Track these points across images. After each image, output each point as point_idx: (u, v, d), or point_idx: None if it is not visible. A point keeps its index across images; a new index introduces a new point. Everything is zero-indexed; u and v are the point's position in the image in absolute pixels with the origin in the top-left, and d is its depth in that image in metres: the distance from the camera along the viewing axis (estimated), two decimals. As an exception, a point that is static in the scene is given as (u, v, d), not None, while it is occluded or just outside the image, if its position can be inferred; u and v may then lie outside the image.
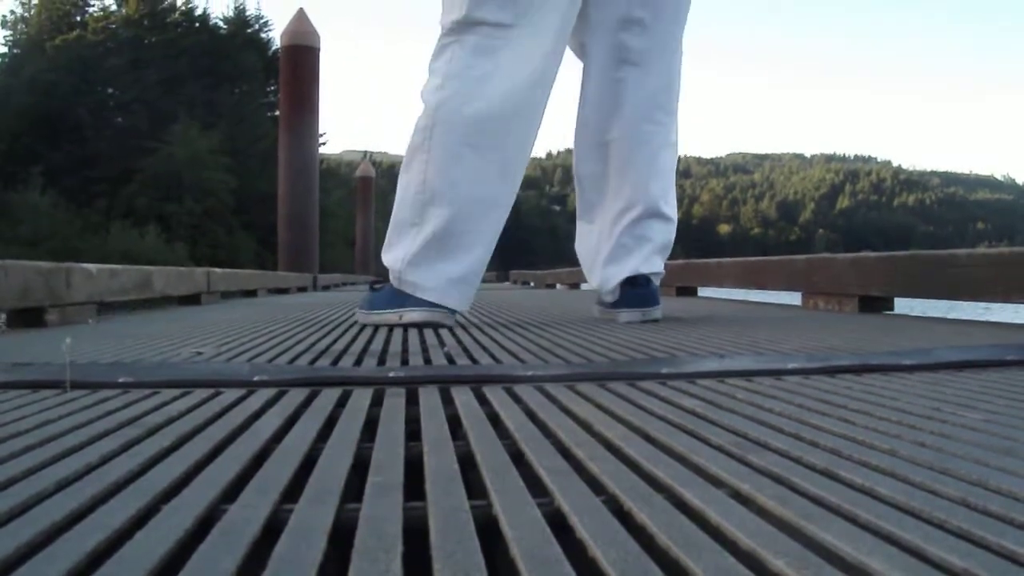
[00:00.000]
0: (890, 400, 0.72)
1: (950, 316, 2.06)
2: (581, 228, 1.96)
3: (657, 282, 1.86)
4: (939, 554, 0.34)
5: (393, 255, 1.68)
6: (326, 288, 6.64)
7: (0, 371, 0.91)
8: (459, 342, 1.37)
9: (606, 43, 1.82)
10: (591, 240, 1.91)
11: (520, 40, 1.61)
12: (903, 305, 2.26)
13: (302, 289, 6.35)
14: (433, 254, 1.64)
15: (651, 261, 1.83)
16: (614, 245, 1.84)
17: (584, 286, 6.18)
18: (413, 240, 1.65)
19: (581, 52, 1.88)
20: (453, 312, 1.68)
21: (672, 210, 1.87)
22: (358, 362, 1.10)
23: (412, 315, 1.64)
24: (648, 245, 1.82)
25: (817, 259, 2.54)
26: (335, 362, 1.09)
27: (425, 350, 1.25)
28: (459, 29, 1.62)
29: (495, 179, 1.67)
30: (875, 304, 2.18)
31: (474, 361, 1.09)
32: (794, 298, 2.67)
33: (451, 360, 1.11)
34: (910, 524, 0.38)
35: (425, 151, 1.63)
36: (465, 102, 1.61)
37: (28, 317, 1.83)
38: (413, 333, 1.54)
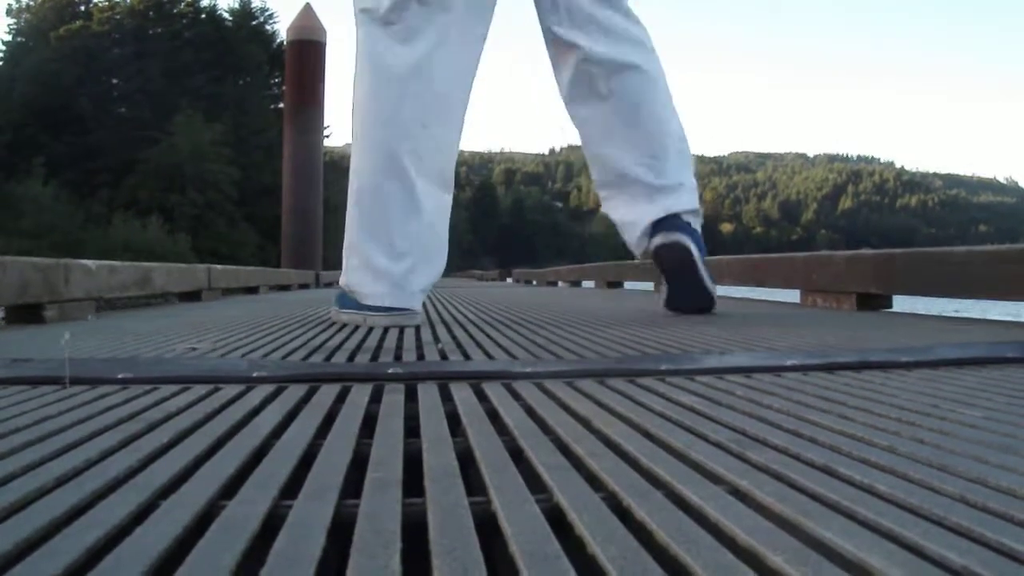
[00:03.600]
0: (889, 397, 0.72)
1: (948, 314, 2.06)
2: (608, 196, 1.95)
3: (692, 221, 1.85)
4: (938, 551, 0.34)
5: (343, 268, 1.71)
6: (329, 285, 6.64)
7: (0, 367, 0.91)
8: (454, 339, 1.37)
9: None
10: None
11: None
12: (901, 303, 2.25)
13: (304, 286, 6.35)
14: (355, 260, 1.66)
15: (678, 201, 1.83)
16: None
17: (585, 283, 6.18)
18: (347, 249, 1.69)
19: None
20: (411, 311, 1.66)
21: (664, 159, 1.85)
22: (352, 358, 1.10)
23: (374, 319, 1.63)
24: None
25: (816, 257, 2.54)
26: (329, 358, 1.09)
27: (420, 347, 1.25)
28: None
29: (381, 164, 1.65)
30: (873, 302, 2.18)
31: (469, 358, 1.09)
32: (793, 295, 2.67)
33: (445, 358, 1.11)
34: (909, 521, 0.38)
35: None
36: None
37: (26, 313, 1.83)
38: (409, 331, 1.54)
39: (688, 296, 1.84)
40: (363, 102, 1.66)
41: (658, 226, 1.81)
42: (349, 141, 1.72)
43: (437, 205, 1.68)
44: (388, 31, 1.63)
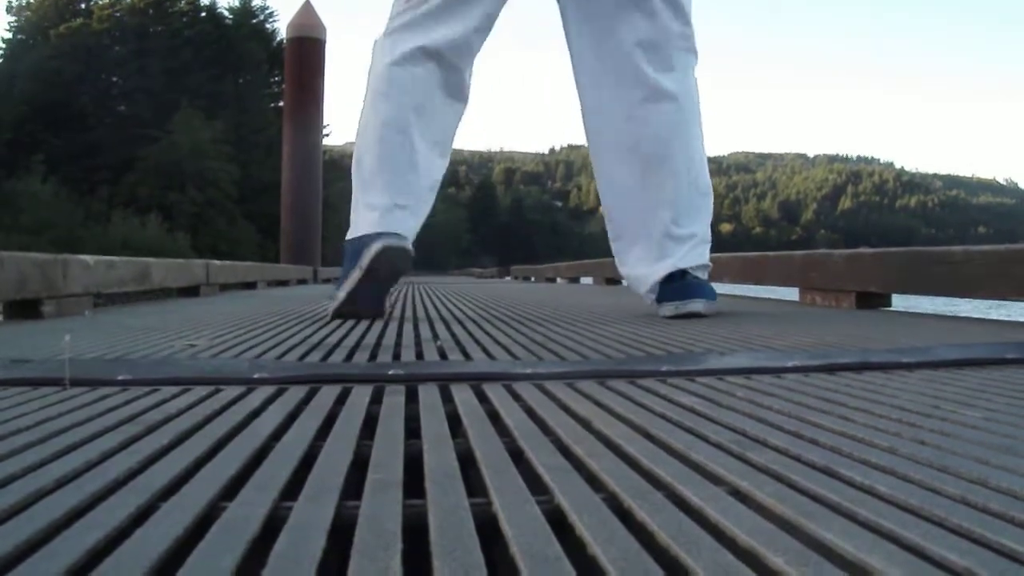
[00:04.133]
0: (890, 398, 0.72)
1: (947, 313, 2.06)
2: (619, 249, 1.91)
3: (701, 275, 1.79)
4: (939, 552, 0.34)
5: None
6: (327, 281, 6.64)
7: (0, 368, 0.91)
8: (453, 336, 1.37)
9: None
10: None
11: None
12: (900, 302, 2.25)
13: (302, 281, 6.35)
14: (356, 208, 1.74)
15: (687, 256, 1.77)
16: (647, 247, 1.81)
17: (584, 280, 6.18)
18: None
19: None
20: (403, 238, 1.68)
21: (695, 194, 1.81)
22: (350, 356, 1.10)
23: (374, 247, 1.63)
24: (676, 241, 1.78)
25: (814, 255, 2.54)
26: (327, 356, 1.09)
27: (419, 344, 1.25)
28: None
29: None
30: (872, 300, 2.18)
31: (468, 357, 1.09)
32: (791, 294, 2.66)
33: (443, 355, 1.11)
34: (910, 522, 0.38)
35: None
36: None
37: (24, 309, 1.83)
38: (407, 327, 1.54)
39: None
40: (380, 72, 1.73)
41: (667, 287, 1.75)
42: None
43: (432, 165, 1.76)
44: (413, 14, 1.71)
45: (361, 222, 1.71)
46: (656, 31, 1.74)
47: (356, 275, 1.66)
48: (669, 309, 1.73)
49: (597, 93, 1.82)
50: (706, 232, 1.83)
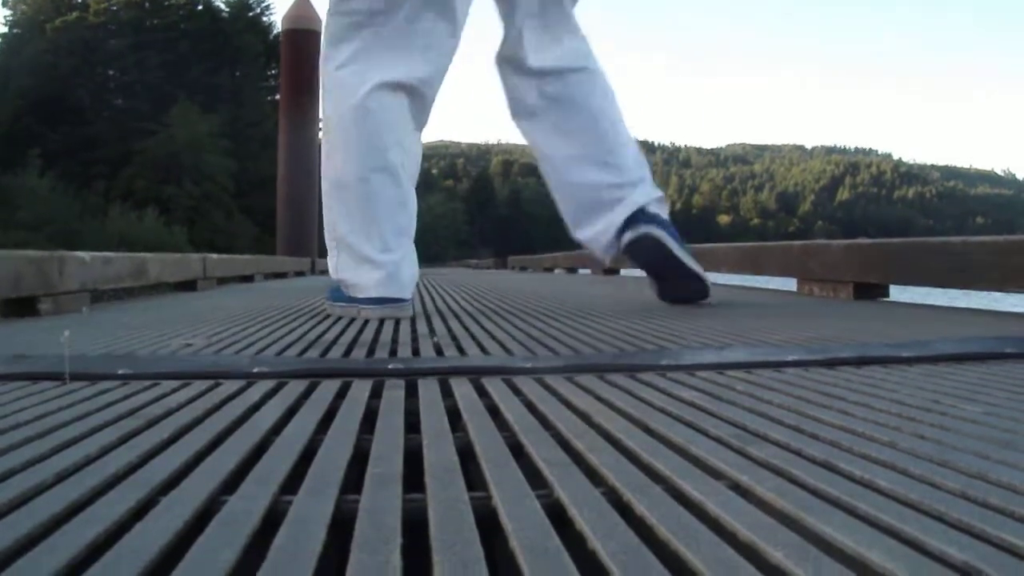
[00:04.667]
0: (889, 392, 0.72)
1: (944, 304, 2.06)
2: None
3: (658, 210, 1.81)
4: (938, 546, 0.34)
5: (330, 265, 1.72)
6: (324, 272, 6.62)
7: (0, 363, 0.90)
8: (450, 331, 1.36)
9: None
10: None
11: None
12: (898, 292, 2.25)
13: (300, 274, 6.34)
14: (346, 255, 1.66)
15: (638, 193, 1.80)
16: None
17: (581, 271, 6.18)
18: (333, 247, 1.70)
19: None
20: (403, 301, 1.66)
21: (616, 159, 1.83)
22: (348, 351, 1.10)
23: (368, 311, 1.63)
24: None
25: (812, 245, 2.54)
26: (326, 352, 1.09)
27: (416, 340, 1.25)
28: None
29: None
30: (870, 291, 2.18)
31: (463, 353, 1.09)
32: (789, 284, 2.66)
33: (440, 351, 1.11)
34: (909, 516, 0.38)
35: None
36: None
37: (21, 306, 1.82)
38: (405, 323, 1.53)
39: (677, 285, 1.83)
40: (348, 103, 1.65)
41: (626, 225, 1.79)
42: None
43: (413, 200, 1.71)
44: (377, 37, 1.63)
45: (364, 279, 1.64)
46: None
47: (353, 313, 1.66)
48: (626, 236, 1.76)
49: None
50: (648, 172, 1.87)
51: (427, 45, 1.65)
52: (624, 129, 1.87)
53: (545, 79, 1.81)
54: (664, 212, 1.83)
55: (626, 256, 1.84)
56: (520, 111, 1.88)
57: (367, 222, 1.64)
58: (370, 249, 1.63)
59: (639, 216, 1.79)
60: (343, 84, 1.64)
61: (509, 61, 1.84)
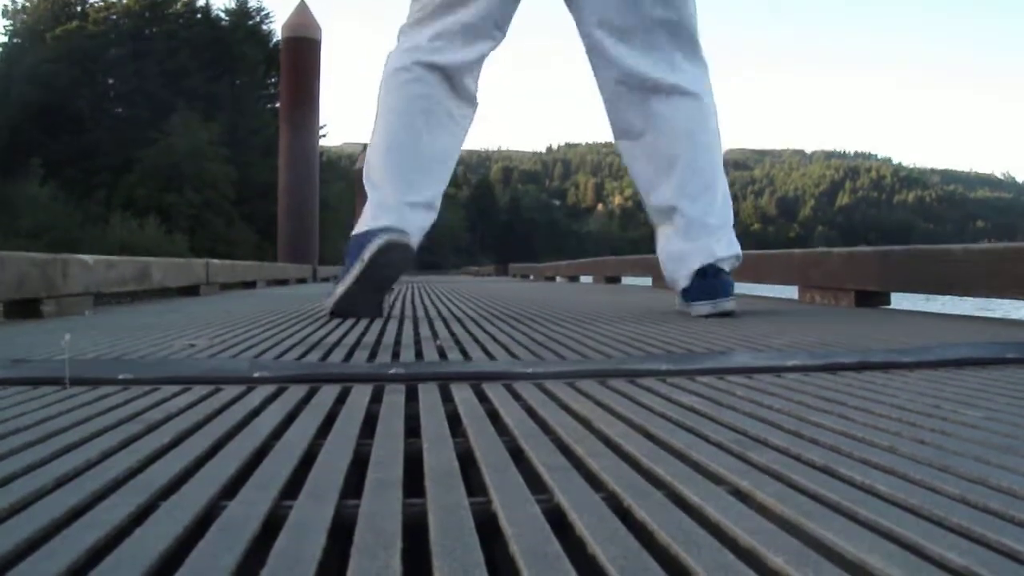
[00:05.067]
0: (890, 397, 0.72)
1: (946, 311, 2.06)
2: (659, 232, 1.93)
3: (728, 268, 1.81)
4: (938, 551, 0.34)
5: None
6: (325, 280, 6.64)
7: (0, 367, 0.90)
8: (453, 335, 1.37)
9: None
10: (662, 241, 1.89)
11: None
12: (899, 300, 2.25)
13: (301, 280, 6.35)
14: (368, 191, 1.78)
15: (713, 249, 1.79)
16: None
17: (583, 279, 6.18)
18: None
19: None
20: (406, 234, 1.70)
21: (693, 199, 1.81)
22: (350, 355, 1.10)
23: (376, 242, 1.65)
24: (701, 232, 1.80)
25: (814, 253, 2.54)
26: (327, 355, 1.09)
27: (418, 343, 1.25)
28: None
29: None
30: (871, 299, 2.18)
31: (467, 356, 1.09)
32: (790, 292, 2.66)
33: (443, 354, 1.11)
34: (909, 521, 0.38)
35: None
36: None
37: (24, 308, 1.83)
38: (407, 325, 1.54)
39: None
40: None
41: (702, 283, 1.76)
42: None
43: (441, 169, 1.82)
44: (424, 30, 1.77)
45: (367, 218, 1.73)
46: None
47: (357, 269, 1.66)
48: (705, 308, 1.75)
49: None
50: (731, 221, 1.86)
51: (474, 37, 1.77)
52: (721, 167, 1.87)
53: (658, 96, 1.80)
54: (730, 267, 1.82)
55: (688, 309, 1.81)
56: (624, 130, 1.88)
57: (381, 174, 1.76)
58: (379, 194, 1.74)
59: (721, 286, 1.76)
60: (391, 62, 1.80)
61: (623, 78, 1.82)
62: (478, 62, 1.81)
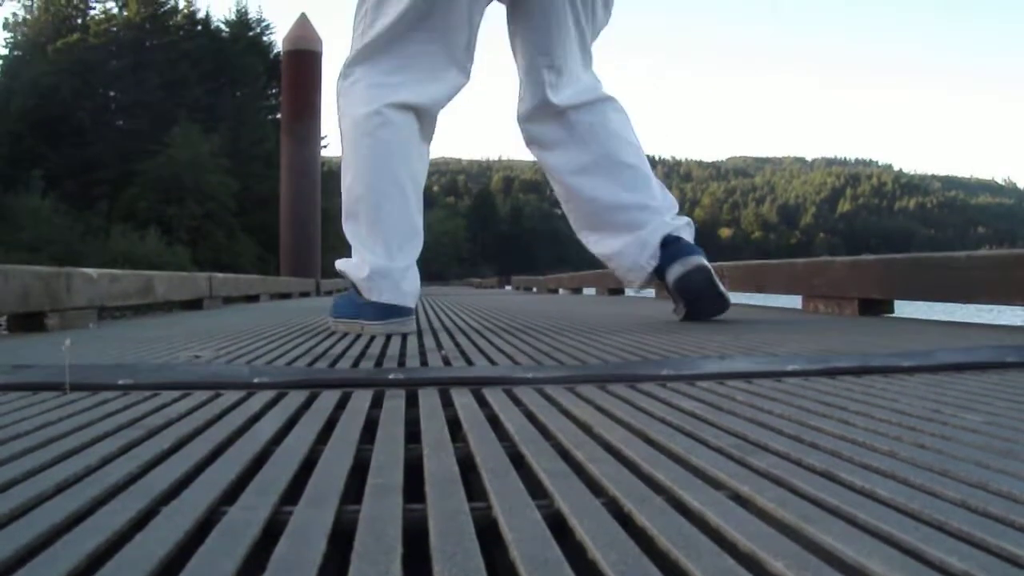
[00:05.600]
0: (890, 402, 0.72)
1: (950, 319, 2.06)
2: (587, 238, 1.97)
3: (687, 236, 1.86)
4: (939, 556, 0.34)
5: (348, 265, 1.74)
6: (329, 293, 6.64)
7: (0, 373, 0.90)
8: (457, 346, 1.37)
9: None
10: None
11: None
12: (903, 308, 2.25)
13: (305, 294, 6.35)
14: (362, 254, 1.70)
15: (666, 221, 1.84)
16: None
17: (586, 291, 6.18)
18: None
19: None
20: (407, 312, 1.69)
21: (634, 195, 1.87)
22: (355, 365, 1.10)
23: (371, 328, 1.64)
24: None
25: (817, 262, 2.54)
26: (333, 365, 1.09)
27: (423, 354, 1.25)
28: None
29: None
30: (875, 307, 2.18)
31: (472, 365, 1.09)
32: (794, 301, 2.66)
33: (449, 363, 1.11)
34: (910, 526, 0.38)
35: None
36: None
37: (28, 321, 1.83)
38: (412, 338, 1.54)
39: (709, 308, 1.86)
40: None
41: (667, 252, 1.81)
42: None
43: (418, 217, 1.76)
44: (384, 66, 1.70)
45: (364, 274, 1.67)
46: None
47: (355, 331, 1.67)
48: (676, 268, 1.79)
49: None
50: (673, 200, 1.92)
51: (437, 73, 1.72)
52: (645, 159, 1.92)
53: (567, 113, 1.85)
54: (691, 237, 1.87)
55: (674, 290, 1.84)
56: (540, 144, 1.92)
57: (374, 233, 1.68)
58: (376, 256, 1.67)
59: (679, 246, 1.82)
60: (355, 101, 1.71)
61: (531, 113, 1.88)
62: (449, 99, 1.77)
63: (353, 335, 1.62)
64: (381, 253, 1.67)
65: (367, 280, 1.66)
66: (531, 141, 1.93)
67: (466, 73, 1.77)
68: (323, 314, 2.40)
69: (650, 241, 1.82)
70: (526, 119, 1.91)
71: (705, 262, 1.80)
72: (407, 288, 1.68)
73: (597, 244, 1.94)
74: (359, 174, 1.70)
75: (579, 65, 1.86)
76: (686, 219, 1.88)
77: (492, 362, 1.11)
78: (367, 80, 1.71)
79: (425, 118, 1.74)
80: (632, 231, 1.85)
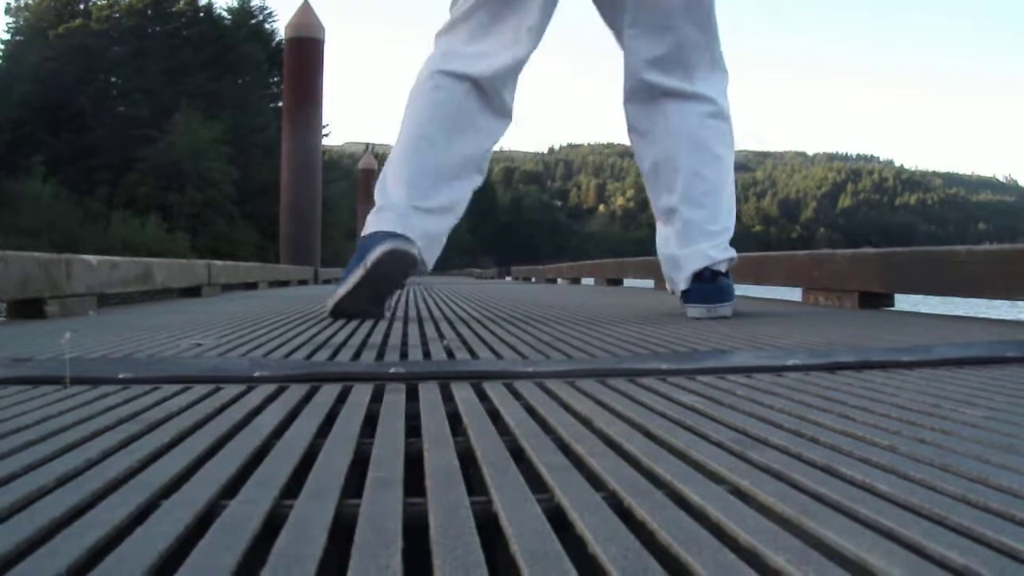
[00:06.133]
0: (890, 396, 0.72)
1: (950, 313, 2.06)
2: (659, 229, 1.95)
3: (725, 269, 1.82)
4: (939, 550, 0.34)
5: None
6: (327, 281, 6.64)
7: (0, 367, 0.90)
8: (459, 336, 1.37)
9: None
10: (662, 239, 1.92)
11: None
12: (903, 301, 2.25)
13: (303, 282, 6.34)
14: (378, 193, 1.76)
15: (709, 253, 1.80)
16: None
17: (585, 281, 6.18)
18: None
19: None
20: (411, 242, 1.69)
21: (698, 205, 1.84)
22: (357, 355, 1.10)
23: (379, 248, 1.64)
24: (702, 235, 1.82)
25: (818, 255, 2.54)
26: (334, 355, 1.09)
27: (425, 343, 1.25)
28: None
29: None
30: (875, 300, 2.18)
31: (474, 355, 1.09)
32: (794, 294, 2.67)
33: (451, 354, 1.11)
34: (910, 520, 0.38)
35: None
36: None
37: (28, 308, 1.83)
38: (412, 326, 1.54)
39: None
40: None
41: (697, 287, 1.78)
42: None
43: (461, 178, 1.79)
44: (456, 37, 1.78)
45: (375, 220, 1.71)
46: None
47: (359, 273, 1.66)
48: (698, 311, 1.76)
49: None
50: (732, 223, 1.89)
51: (500, 47, 1.76)
52: (730, 175, 1.89)
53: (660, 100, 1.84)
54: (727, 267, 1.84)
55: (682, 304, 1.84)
56: (633, 126, 1.92)
57: (395, 176, 1.74)
58: (390, 196, 1.72)
59: (714, 293, 1.78)
60: (422, 68, 1.80)
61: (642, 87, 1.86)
62: (511, 71, 1.78)
63: (353, 324, 1.61)
64: (397, 195, 1.71)
65: (374, 214, 1.71)
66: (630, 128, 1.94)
67: (531, 46, 1.79)
68: (321, 301, 2.40)
69: (685, 267, 1.79)
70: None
71: (730, 314, 1.77)
72: (417, 223, 1.70)
73: (658, 232, 1.94)
74: (400, 136, 1.76)
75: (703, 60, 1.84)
76: (731, 254, 1.82)
77: (494, 352, 1.11)
78: (439, 49, 1.79)
79: (486, 88, 1.76)
80: (677, 243, 1.83)
